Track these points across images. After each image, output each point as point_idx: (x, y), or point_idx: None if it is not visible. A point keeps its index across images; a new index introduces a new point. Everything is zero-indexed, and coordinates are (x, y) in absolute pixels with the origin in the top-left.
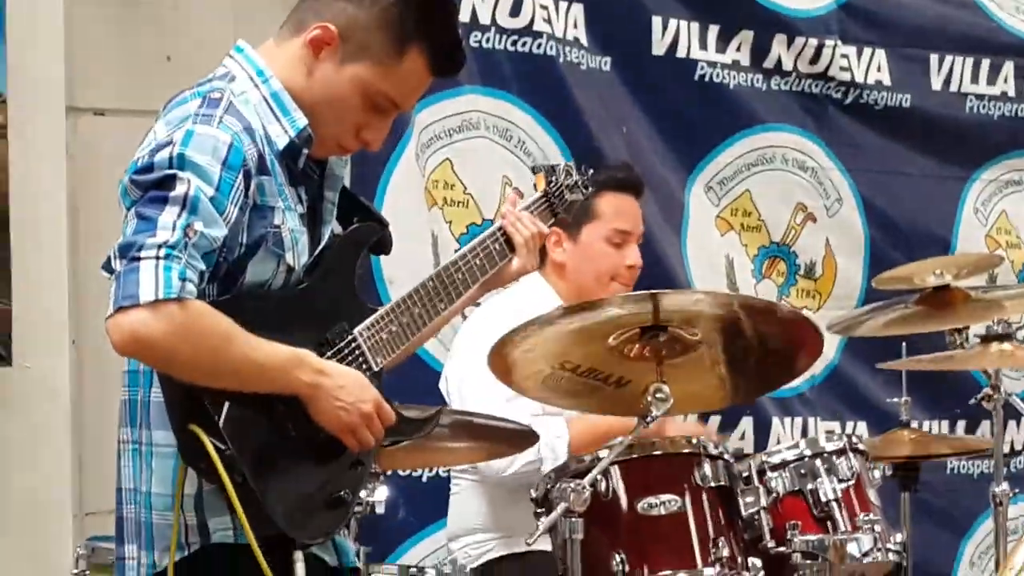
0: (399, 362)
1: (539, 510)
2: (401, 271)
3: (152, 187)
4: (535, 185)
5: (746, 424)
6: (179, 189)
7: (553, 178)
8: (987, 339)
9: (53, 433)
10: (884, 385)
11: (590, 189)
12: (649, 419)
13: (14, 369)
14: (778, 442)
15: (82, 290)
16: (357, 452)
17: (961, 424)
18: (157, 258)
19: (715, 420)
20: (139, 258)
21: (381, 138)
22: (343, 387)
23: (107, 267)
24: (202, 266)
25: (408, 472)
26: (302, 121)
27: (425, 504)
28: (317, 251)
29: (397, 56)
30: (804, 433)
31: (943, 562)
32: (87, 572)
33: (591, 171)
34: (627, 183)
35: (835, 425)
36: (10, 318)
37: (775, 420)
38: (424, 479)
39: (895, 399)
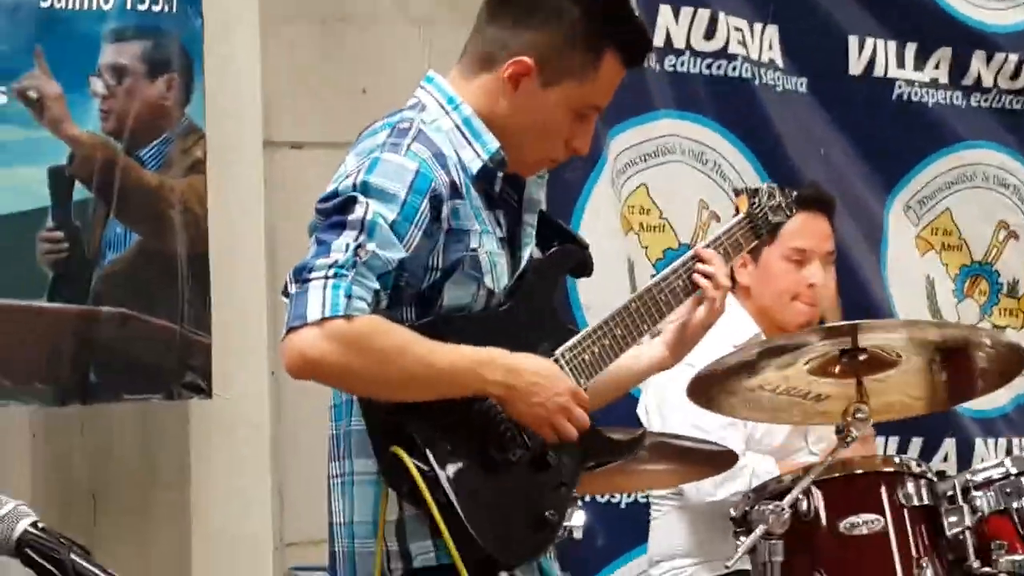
0: (611, 400)
1: (738, 530)
2: (597, 297)
3: (333, 213)
4: (737, 208)
5: (949, 445)
6: (357, 212)
7: (756, 200)
8: None
9: (253, 464)
10: None
11: (794, 211)
12: (849, 440)
13: (214, 401)
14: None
15: (280, 322)
16: (559, 464)
17: None
18: (326, 278)
19: (917, 442)
20: (310, 279)
21: (588, 141)
22: (536, 383)
23: (285, 292)
24: (375, 285)
25: (606, 498)
26: (494, 144)
27: (623, 530)
28: (517, 274)
29: (594, 66)
30: (1008, 454)
31: None
32: None
33: (794, 193)
34: (809, 200)
35: None
36: (210, 351)
37: (978, 441)
38: (623, 505)
39: None
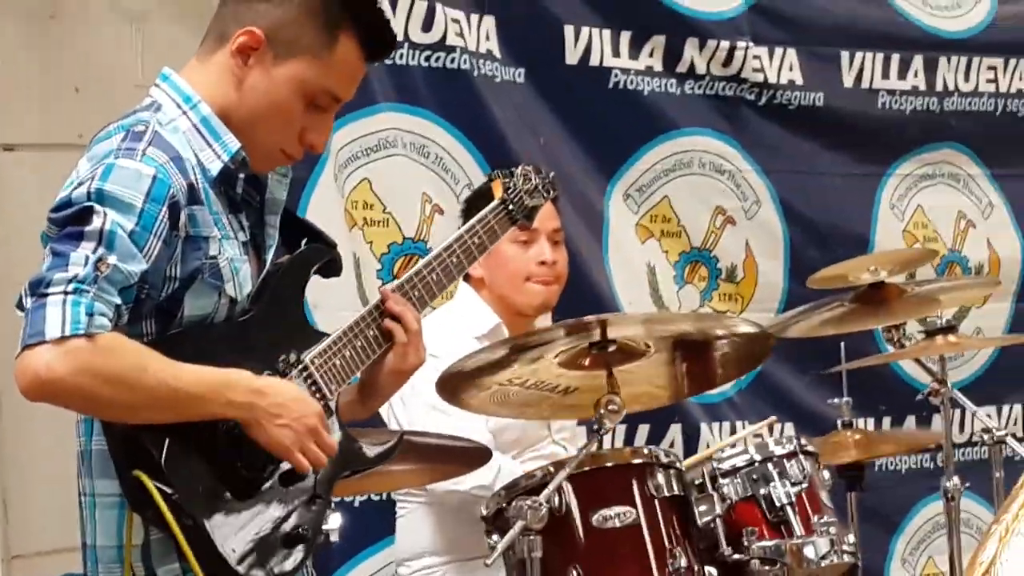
0: (371, 411)
1: (490, 528)
2: (325, 295)
3: (68, 223)
4: (491, 192)
5: (675, 431)
6: (95, 223)
7: (511, 183)
8: (931, 333)
9: None
10: (810, 387)
11: (552, 192)
12: (603, 431)
13: None
14: (707, 448)
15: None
16: (313, 477)
17: (886, 421)
18: (65, 293)
19: (644, 428)
20: (47, 294)
21: (325, 139)
22: (282, 404)
23: (19, 305)
24: (117, 300)
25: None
26: (234, 144)
27: (359, 528)
28: (260, 278)
29: (328, 46)
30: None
31: (875, 559)
32: None
33: (552, 174)
34: None
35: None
36: None
37: (703, 426)
38: (357, 503)
39: (833, 400)
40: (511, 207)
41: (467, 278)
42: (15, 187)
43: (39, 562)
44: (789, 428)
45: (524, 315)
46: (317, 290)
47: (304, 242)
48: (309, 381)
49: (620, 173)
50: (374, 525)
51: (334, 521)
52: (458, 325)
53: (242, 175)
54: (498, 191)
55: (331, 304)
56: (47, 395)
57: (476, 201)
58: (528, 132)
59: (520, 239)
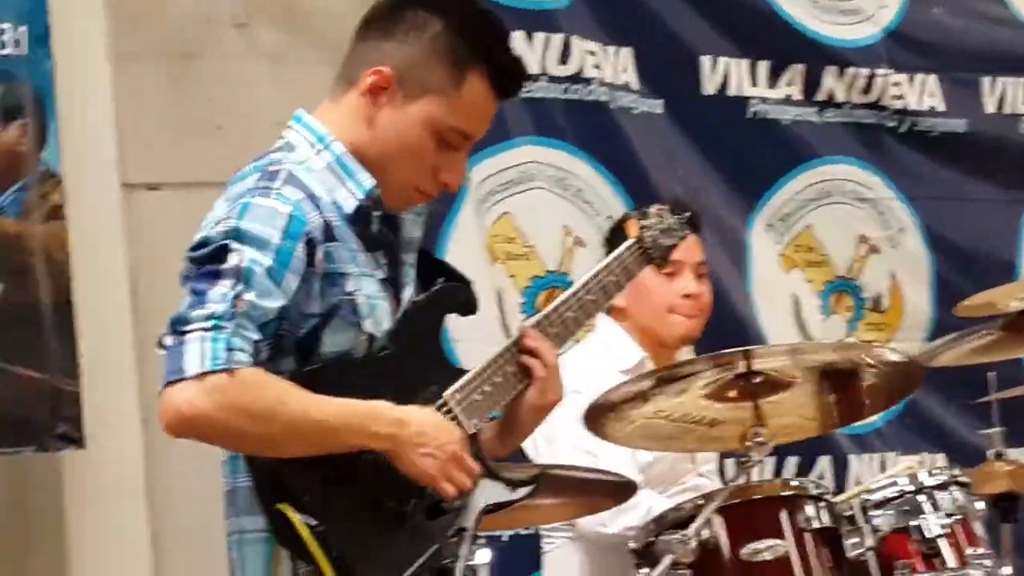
0: (511, 448)
1: (639, 562)
2: (468, 329)
3: (206, 261)
4: (626, 232)
5: (824, 463)
6: (232, 261)
7: (646, 224)
8: None
9: (128, 514)
10: (959, 417)
11: (687, 232)
12: (750, 464)
13: (87, 452)
14: (857, 481)
15: (148, 368)
16: (457, 504)
17: None
18: (204, 330)
19: (792, 460)
20: (187, 331)
21: (460, 178)
22: (424, 432)
23: (160, 344)
24: (255, 336)
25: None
26: (369, 182)
27: (510, 564)
28: (399, 316)
29: (457, 84)
30: (883, 470)
31: None
32: None
33: (687, 213)
34: None
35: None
36: (80, 400)
37: (851, 458)
38: (505, 537)
39: (984, 430)
40: (646, 246)
41: (609, 310)
42: (159, 226)
43: None
44: (940, 459)
45: (666, 347)
46: (460, 325)
47: (440, 280)
48: (449, 416)
49: (762, 203)
50: (522, 561)
51: (482, 556)
52: (603, 359)
53: (377, 213)
54: (633, 230)
55: (474, 338)
56: (189, 431)
57: (614, 237)
58: (667, 163)
59: (665, 271)
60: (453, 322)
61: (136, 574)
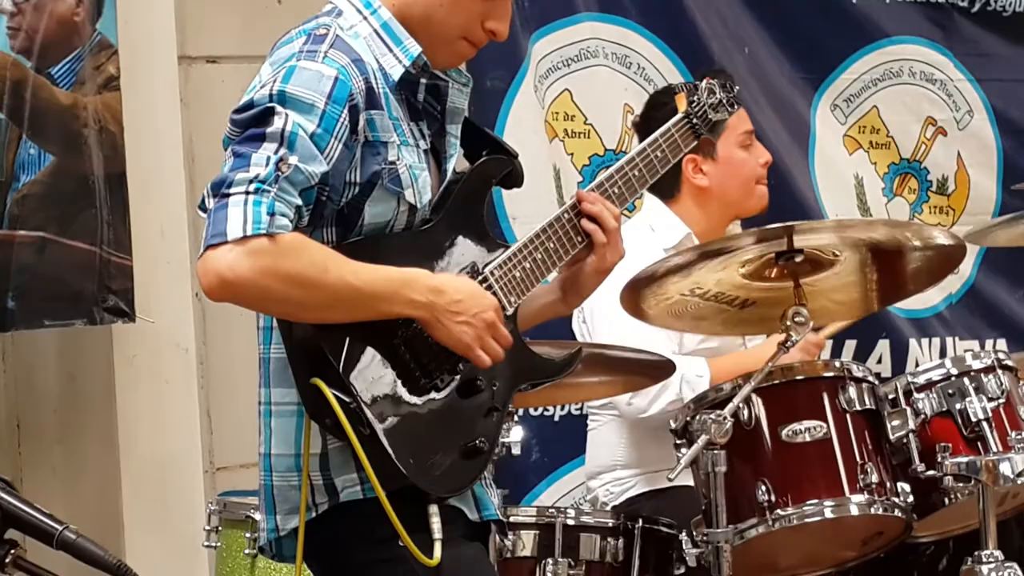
0: (572, 308)
1: (679, 442)
2: (525, 207)
3: (250, 124)
4: (675, 106)
5: (883, 347)
6: (276, 124)
7: (695, 98)
8: None
9: (181, 387)
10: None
11: (736, 107)
12: (789, 344)
13: (138, 324)
14: (916, 364)
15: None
16: (491, 389)
17: None
18: (247, 193)
19: (851, 344)
20: (229, 194)
21: (507, 25)
22: (460, 301)
23: (202, 206)
24: (298, 201)
25: (540, 411)
26: (415, 49)
27: (560, 443)
28: (442, 187)
29: None
30: (943, 354)
31: None
32: (219, 528)
33: (736, 88)
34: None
35: (974, 344)
36: (131, 273)
37: (912, 342)
38: (556, 417)
39: None
40: (695, 121)
41: (674, 190)
42: (217, 98)
43: (243, 474)
44: (1001, 344)
45: (746, 216)
46: (516, 202)
47: (485, 152)
48: (488, 292)
49: (827, 83)
50: (569, 443)
51: (515, 434)
52: (646, 237)
53: (423, 81)
54: (682, 105)
55: (530, 215)
56: (229, 295)
57: (649, 112)
58: (733, 42)
59: (746, 143)
60: (510, 200)
61: (187, 444)
